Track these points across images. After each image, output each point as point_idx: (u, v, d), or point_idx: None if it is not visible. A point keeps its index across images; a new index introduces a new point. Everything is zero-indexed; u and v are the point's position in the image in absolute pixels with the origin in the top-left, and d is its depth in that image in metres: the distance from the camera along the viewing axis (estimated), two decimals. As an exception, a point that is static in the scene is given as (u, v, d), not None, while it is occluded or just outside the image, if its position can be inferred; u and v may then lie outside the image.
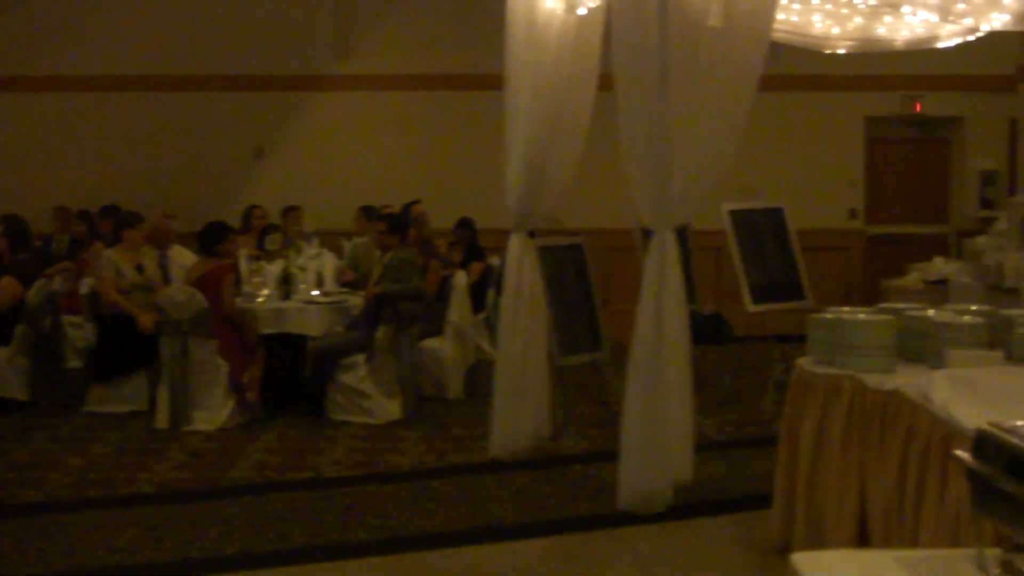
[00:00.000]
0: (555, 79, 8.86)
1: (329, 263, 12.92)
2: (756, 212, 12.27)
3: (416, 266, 11.64)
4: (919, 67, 15.50)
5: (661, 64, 7.53)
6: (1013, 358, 6.44)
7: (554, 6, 8.76)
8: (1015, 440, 3.34)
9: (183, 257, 12.93)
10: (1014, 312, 7.02)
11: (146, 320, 11.40)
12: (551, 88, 8.88)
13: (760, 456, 9.27)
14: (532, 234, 9.83)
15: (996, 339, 6.72)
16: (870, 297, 15.41)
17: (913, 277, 14.82)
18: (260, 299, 11.83)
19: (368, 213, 14.53)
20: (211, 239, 11.46)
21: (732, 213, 12.00)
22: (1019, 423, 3.65)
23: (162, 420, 10.95)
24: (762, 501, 7.45)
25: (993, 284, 12.75)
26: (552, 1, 8.76)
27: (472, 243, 13.65)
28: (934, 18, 8.94)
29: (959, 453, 3.64)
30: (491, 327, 12.06)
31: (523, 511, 8.27)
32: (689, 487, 8.31)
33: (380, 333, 11.17)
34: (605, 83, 8.30)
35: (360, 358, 11.14)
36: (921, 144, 17.54)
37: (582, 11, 8.65)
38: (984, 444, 3.48)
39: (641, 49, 7.64)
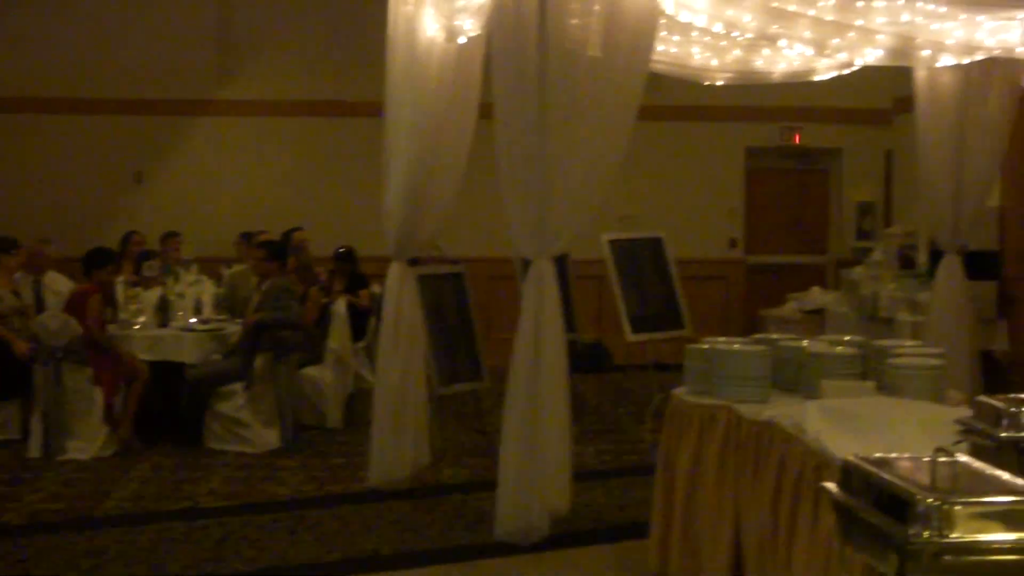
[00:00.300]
0: (435, 107, 8.83)
1: (207, 290, 12.78)
2: (636, 242, 12.34)
3: (295, 294, 11.53)
4: (798, 99, 15.70)
5: (540, 93, 7.54)
6: (885, 389, 6.50)
7: (434, 35, 8.74)
8: (879, 472, 3.37)
9: (58, 283, 12.71)
10: (886, 343, 7.11)
11: (21, 347, 11.17)
12: (431, 116, 8.84)
13: (638, 485, 9.25)
14: (413, 262, 9.79)
15: (869, 370, 6.79)
16: (749, 326, 15.57)
17: (791, 307, 14.99)
18: (137, 326, 11.64)
19: (247, 239, 14.38)
20: (91, 264, 11.26)
21: (612, 243, 12.05)
22: (884, 455, 3.70)
23: (35, 449, 10.71)
24: (640, 530, 7.44)
25: (869, 314, 12.94)
26: (432, 30, 8.73)
27: (353, 273, 13.57)
28: (810, 52, 9.05)
29: (826, 485, 3.66)
30: (372, 355, 11.98)
31: (401, 541, 8.20)
32: (567, 516, 8.27)
33: (258, 361, 11.05)
34: (486, 111, 8.29)
35: (238, 386, 11.00)
36: (800, 175, 17.77)
37: (462, 40, 8.64)
38: (850, 476, 3.52)
39: (520, 78, 7.65)
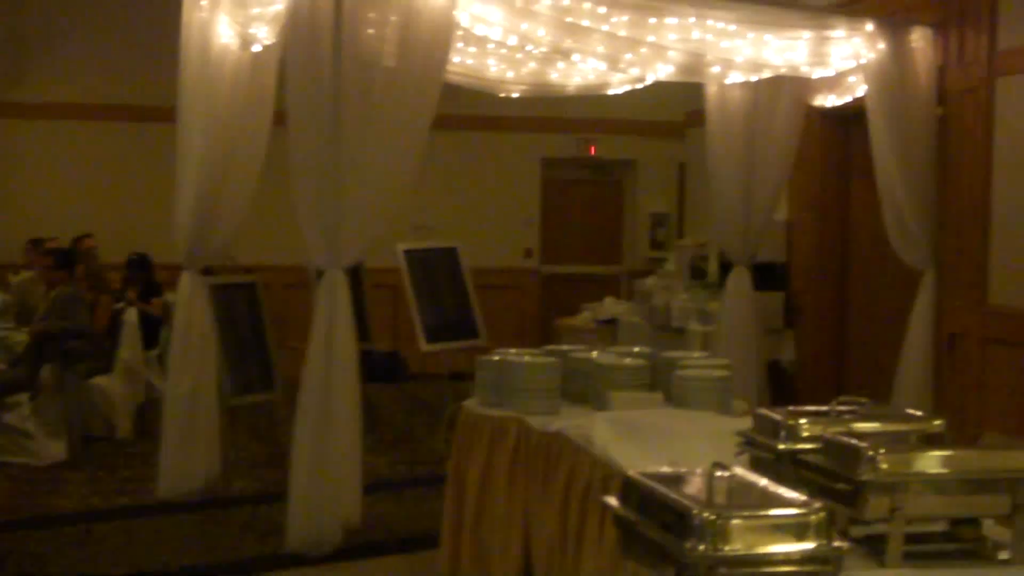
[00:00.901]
0: (228, 115, 8.72)
1: (-6, 297, 12.44)
2: (431, 252, 12.31)
3: (83, 303, 11.25)
4: (594, 111, 15.81)
5: (334, 102, 7.51)
6: (673, 400, 6.59)
7: (228, 42, 8.62)
8: (657, 487, 3.40)
9: None
10: (675, 354, 7.21)
11: None
12: (223, 123, 8.73)
13: (431, 495, 9.22)
14: (207, 271, 9.65)
15: (657, 381, 6.87)
16: (545, 335, 15.67)
17: (585, 317, 15.09)
18: (-82, 334, 11.25)
19: (36, 246, 13.99)
20: None
21: (407, 252, 12.01)
22: (664, 469, 3.74)
23: None
24: (432, 540, 7.41)
25: (661, 324, 13.09)
26: (226, 37, 8.61)
27: (148, 281, 13.32)
28: (603, 66, 9.16)
29: (607, 499, 3.69)
30: (164, 364, 11.75)
31: (191, 554, 8.06)
32: (360, 527, 8.24)
33: (44, 371, 10.75)
34: (281, 118, 8.20)
35: (23, 397, 10.68)
36: (595, 186, 17.95)
37: (257, 48, 8.54)
38: (629, 491, 3.54)
39: (315, 87, 7.60)
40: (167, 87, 9.39)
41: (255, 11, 8.39)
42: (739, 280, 11.09)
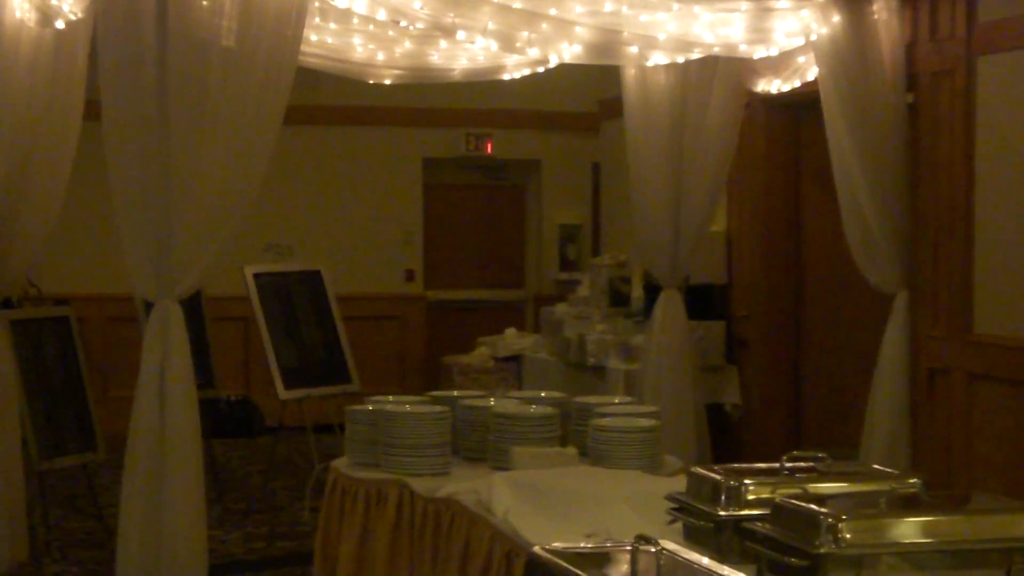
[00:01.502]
0: (26, 109, 8.63)
1: None
2: (288, 276, 12.29)
3: None
4: (487, 102, 15.88)
5: (159, 92, 7.41)
6: (590, 456, 6.59)
7: (24, 17, 8.50)
8: (568, 567, 3.38)
9: None
10: (592, 399, 7.23)
11: None
12: (21, 120, 8.65)
13: (296, 577, 9.27)
14: (7, 303, 9.53)
15: (570, 432, 6.89)
16: (431, 377, 15.68)
17: (481, 353, 15.11)
18: None
19: None
20: None
21: (257, 277, 11.95)
22: (576, 544, 3.72)
23: None
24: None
25: (575, 361, 13.10)
26: (20, 11, 8.49)
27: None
28: (495, 46, 9.15)
29: (507, 582, 3.67)
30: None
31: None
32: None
33: None
34: (94, 112, 8.11)
35: None
36: (491, 192, 17.96)
37: (60, 25, 8.42)
38: (534, 570, 3.52)
39: (135, 73, 7.49)
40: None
41: (59, -24, 8.31)
42: (669, 306, 11.13)
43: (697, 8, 9.35)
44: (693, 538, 4.48)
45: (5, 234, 8.89)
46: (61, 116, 8.79)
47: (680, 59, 10.12)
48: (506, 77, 10.84)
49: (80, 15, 8.31)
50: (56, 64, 8.65)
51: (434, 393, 7.55)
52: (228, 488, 12.44)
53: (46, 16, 8.45)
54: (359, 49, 10.13)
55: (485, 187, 17.95)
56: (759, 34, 9.86)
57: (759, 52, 10.08)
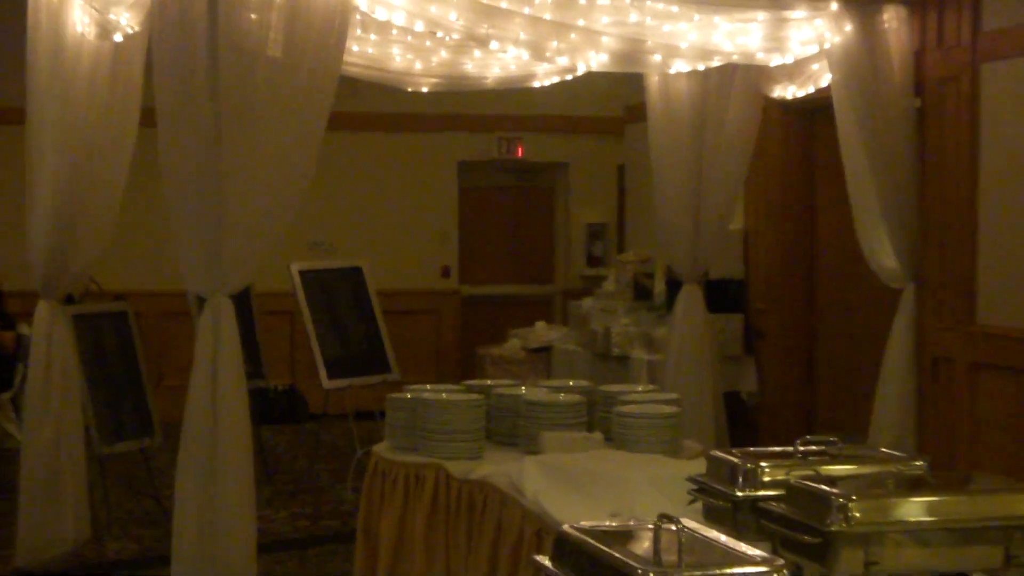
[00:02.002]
0: (87, 116, 8.65)
1: None
2: (332, 272, 12.29)
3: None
4: (518, 108, 15.86)
5: (211, 100, 7.41)
6: (614, 440, 6.60)
7: (85, 31, 8.54)
8: (596, 544, 3.39)
9: None
10: (616, 388, 7.23)
11: None
12: (82, 127, 8.66)
13: (340, 553, 9.31)
14: (69, 299, 9.57)
15: (596, 419, 6.89)
16: (466, 367, 15.68)
17: (512, 345, 15.10)
18: None
19: None
20: None
21: (303, 274, 11.97)
22: (604, 523, 3.73)
23: None
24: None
25: (600, 352, 13.11)
26: (82, 25, 8.53)
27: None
28: (526, 55, 9.16)
29: (539, 558, 3.68)
30: (20, 408, 11.62)
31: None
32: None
33: None
34: (150, 119, 8.12)
35: None
36: (522, 193, 17.95)
37: (118, 37, 8.45)
38: (564, 548, 3.53)
39: (188, 83, 7.49)
40: (13, 85, 9.32)
41: (116, -7, 8.34)
42: (690, 300, 11.11)
43: (717, 18, 9.34)
44: (712, 517, 4.49)
45: (67, 235, 8.92)
46: (119, 123, 8.80)
47: (701, 67, 10.09)
48: (536, 84, 10.82)
49: (136, 28, 8.34)
50: (114, 74, 8.67)
51: (468, 382, 7.55)
52: (276, 471, 12.47)
53: (105, 30, 8.48)
54: (397, 59, 10.13)
55: (516, 188, 17.93)
56: (775, 43, 9.84)
57: (775, 60, 10.05)
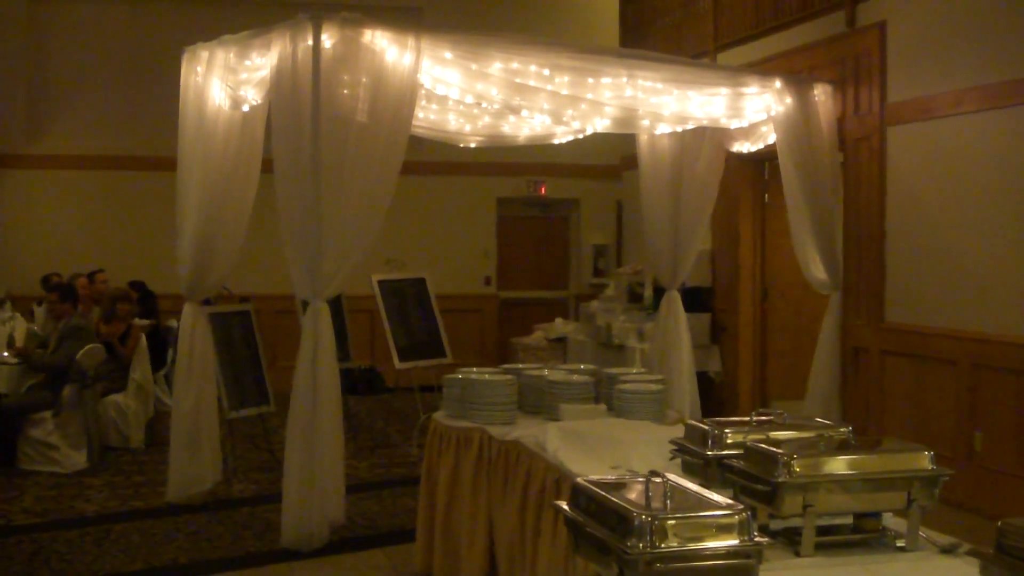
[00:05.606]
0: (222, 166, 8.68)
1: (20, 326, 12.31)
2: (402, 282, 12.28)
3: (88, 331, 11.15)
4: (542, 157, 15.81)
5: (314, 154, 7.46)
6: (615, 411, 6.59)
7: (221, 103, 8.59)
8: (602, 493, 3.39)
9: None
10: (616, 371, 7.21)
11: None
12: (218, 173, 8.69)
13: (407, 495, 9.23)
14: (206, 302, 9.61)
15: (601, 394, 6.87)
16: (502, 353, 15.70)
17: (538, 336, 15.10)
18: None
19: (46, 282, 13.95)
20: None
21: (380, 283, 11.97)
22: (607, 476, 3.73)
23: None
24: (408, 535, 7.42)
25: (603, 342, 13.11)
26: (219, 98, 8.58)
27: (150, 306, 13.27)
28: (548, 120, 9.18)
29: (559, 503, 3.67)
30: (170, 383, 11.64)
31: (197, 550, 7.96)
32: (344, 524, 8.24)
33: (65, 391, 10.65)
34: (268, 167, 8.16)
35: (47, 413, 10.57)
36: (544, 222, 17.93)
37: (246, 107, 8.50)
38: (578, 496, 3.53)
39: (297, 141, 7.56)
40: (169, 140, 9.38)
41: (244, 76, 8.35)
42: (671, 303, 11.09)
43: (691, 93, 9.38)
44: (688, 470, 4.48)
45: (206, 254, 8.94)
46: (245, 171, 8.79)
47: (679, 128, 10.11)
48: (556, 141, 10.81)
49: (259, 101, 8.38)
50: (242, 134, 8.68)
51: (505, 366, 7.52)
52: (359, 431, 12.46)
53: (236, 102, 8.51)
54: (452, 122, 10.12)
55: (540, 218, 17.89)
56: (734, 111, 9.85)
57: (735, 123, 10.08)
